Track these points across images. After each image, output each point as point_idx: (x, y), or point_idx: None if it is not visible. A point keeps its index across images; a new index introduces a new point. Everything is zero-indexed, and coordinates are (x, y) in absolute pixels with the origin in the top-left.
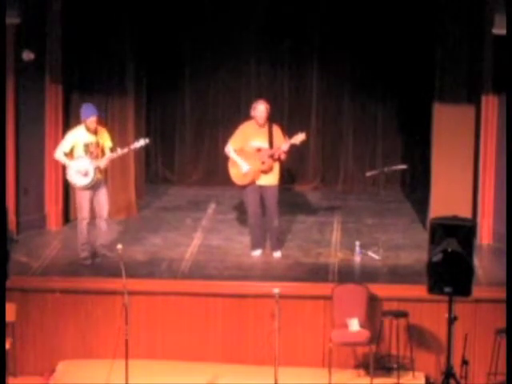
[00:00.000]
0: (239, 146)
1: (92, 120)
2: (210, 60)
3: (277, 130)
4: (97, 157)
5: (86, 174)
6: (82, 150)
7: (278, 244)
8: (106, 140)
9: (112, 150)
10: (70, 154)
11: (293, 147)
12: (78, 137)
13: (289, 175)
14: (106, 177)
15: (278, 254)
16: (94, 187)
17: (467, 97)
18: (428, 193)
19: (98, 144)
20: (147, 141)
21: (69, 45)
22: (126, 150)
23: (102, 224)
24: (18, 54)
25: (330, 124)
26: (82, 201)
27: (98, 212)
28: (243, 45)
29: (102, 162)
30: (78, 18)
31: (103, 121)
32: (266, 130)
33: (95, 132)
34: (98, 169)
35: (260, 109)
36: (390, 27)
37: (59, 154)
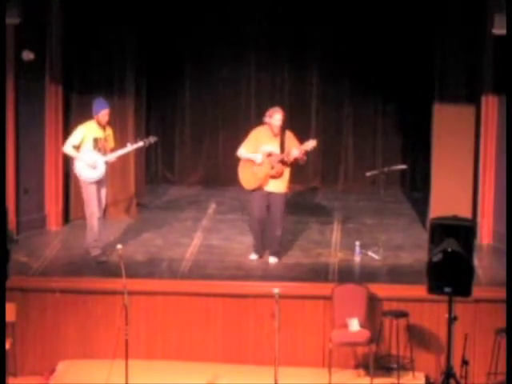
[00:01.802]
0: (251, 151)
1: (104, 113)
2: (210, 61)
3: (290, 136)
4: (105, 152)
5: (94, 168)
6: (91, 145)
7: (278, 251)
8: (110, 139)
9: (112, 150)
10: (77, 148)
11: (306, 152)
12: (88, 131)
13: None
14: (107, 175)
15: (273, 260)
16: (99, 182)
17: (467, 97)
18: (428, 193)
19: (106, 140)
20: (155, 138)
21: (69, 45)
22: (135, 146)
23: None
24: (18, 54)
25: (330, 124)
26: (90, 196)
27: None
28: (243, 45)
29: (111, 157)
30: (78, 18)
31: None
32: (278, 135)
33: (105, 127)
34: (106, 163)
35: (276, 117)
36: (390, 27)
37: (68, 147)
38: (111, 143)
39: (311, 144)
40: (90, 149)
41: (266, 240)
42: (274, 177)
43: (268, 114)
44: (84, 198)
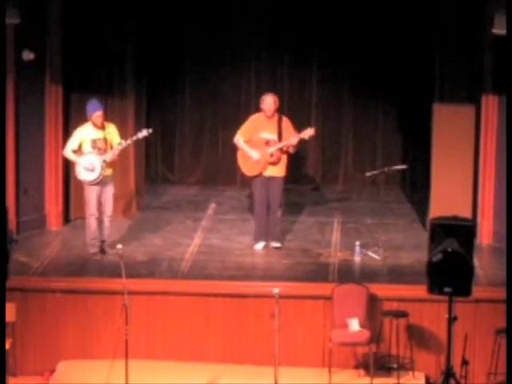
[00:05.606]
0: (248, 137)
1: (97, 115)
2: (211, 60)
3: (286, 123)
4: (105, 152)
5: (92, 170)
6: (90, 146)
7: (279, 237)
8: (114, 135)
9: (119, 144)
10: (78, 151)
11: (302, 141)
12: (85, 133)
13: (289, 175)
14: (115, 174)
15: (277, 245)
16: (101, 183)
17: (467, 97)
18: (428, 193)
19: (105, 140)
20: (150, 131)
21: (69, 45)
22: (129, 142)
23: (106, 221)
24: (18, 53)
25: (330, 124)
26: (90, 197)
27: (102, 208)
28: (243, 44)
29: (108, 156)
30: (78, 18)
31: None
32: (275, 122)
33: (102, 127)
34: (104, 163)
35: (268, 101)
36: (390, 28)
37: (68, 152)
38: (116, 139)
39: (309, 132)
40: (89, 150)
41: (268, 224)
42: (273, 163)
43: (261, 99)
44: (84, 199)
